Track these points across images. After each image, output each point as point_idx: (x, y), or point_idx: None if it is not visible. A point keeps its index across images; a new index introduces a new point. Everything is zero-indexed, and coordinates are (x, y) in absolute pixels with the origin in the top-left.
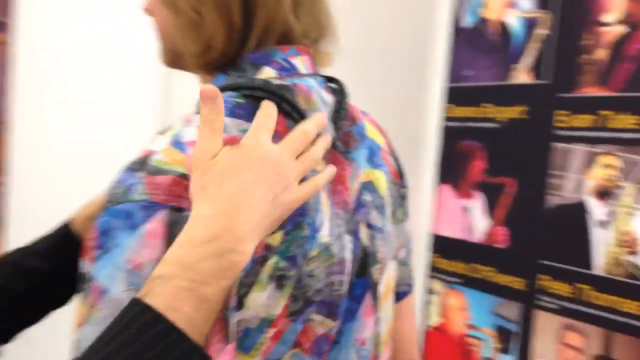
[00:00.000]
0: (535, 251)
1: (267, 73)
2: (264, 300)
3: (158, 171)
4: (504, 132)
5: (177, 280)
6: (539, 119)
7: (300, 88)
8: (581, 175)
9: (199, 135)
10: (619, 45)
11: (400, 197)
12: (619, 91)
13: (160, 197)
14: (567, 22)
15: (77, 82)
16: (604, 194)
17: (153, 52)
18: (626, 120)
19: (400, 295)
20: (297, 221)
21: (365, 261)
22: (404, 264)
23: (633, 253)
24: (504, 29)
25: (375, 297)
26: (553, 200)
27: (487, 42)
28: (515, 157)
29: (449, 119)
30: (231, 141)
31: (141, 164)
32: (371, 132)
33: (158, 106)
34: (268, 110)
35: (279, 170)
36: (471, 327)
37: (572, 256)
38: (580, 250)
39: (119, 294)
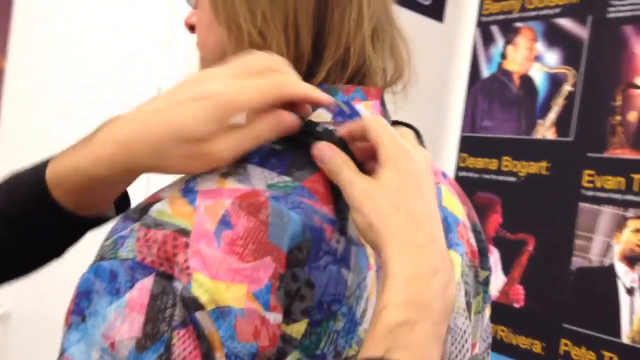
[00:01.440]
0: (558, 314)
1: (320, 116)
2: None
3: (155, 224)
4: (523, 187)
5: (422, 325)
6: (562, 177)
7: None
8: (609, 239)
9: (337, 180)
10: None
11: (478, 283)
12: None
13: (149, 259)
14: (592, 81)
15: (69, 83)
16: (633, 259)
17: (149, 53)
18: None
19: None
20: (330, 309)
21: None
22: None
23: None
24: (526, 82)
25: None
26: (578, 262)
27: (508, 95)
28: (535, 214)
29: (461, 168)
30: (252, 194)
31: (140, 213)
32: (448, 200)
33: None
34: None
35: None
36: None
37: (598, 322)
38: (607, 316)
39: None
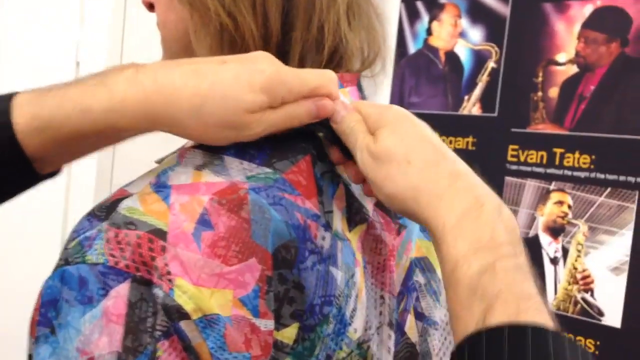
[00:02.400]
0: None
1: None
2: None
3: (125, 222)
4: None
5: (500, 264)
6: (487, 152)
7: None
8: (534, 211)
9: (353, 146)
10: (570, 85)
11: None
12: (571, 130)
13: (122, 262)
14: (515, 58)
15: None
16: (556, 230)
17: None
18: (580, 159)
19: None
20: (322, 312)
21: None
22: None
23: (585, 290)
24: (452, 58)
25: None
26: None
27: (434, 71)
28: None
29: None
30: (231, 189)
31: (107, 210)
32: None
33: None
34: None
35: None
36: None
37: None
38: None
39: None
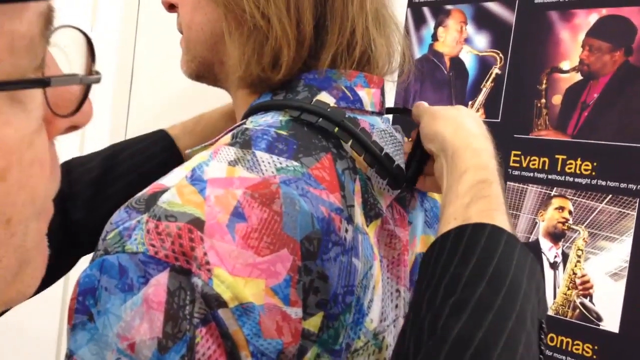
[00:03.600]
0: None
1: (324, 100)
2: None
3: (165, 215)
4: None
5: (496, 184)
6: None
7: (363, 125)
8: (535, 216)
9: (421, 112)
10: (574, 93)
11: None
12: (573, 137)
13: (162, 252)
14: (519, 65)
15: None
16: (556, 235)
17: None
18: (581, 166)
19: None
20: (345, 302)
21: None
22: None
23: (584, 295)
24: (457, 64)
25: None
26: None
27: (439, 76)
28: None
29: None
30: (263, 184)
31: (146, 203)
32: None
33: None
34: None
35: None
36: None
37: None
38: None
39: None
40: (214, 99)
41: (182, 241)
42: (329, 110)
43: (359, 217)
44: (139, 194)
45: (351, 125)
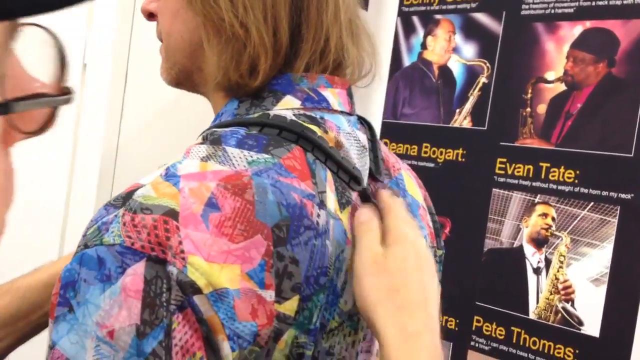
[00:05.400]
0: (471, 292)
1: (289, 103)
2: None
3: (141, 208)
4: (441, 173)
5: None
6: (476, 164)
7: (329, 125)
8: (519, 222)
9: (358, 240)
10: (558, 102)
11: (436, 262)
12: (557, 146)
13: (138, 243)
14: (506, 74)
15: None
16: (540, 241)
17: (71, 31)
18: (565, 174)
19: None
20: (318, 282)
21: None
22: None
23: (566, 300)
24: (445, 72)
25: None
26: (490, 243)
27: (428, 84)
28: (451, 199)
29: None
30: (235, 176)
31: (123, 199)
32: (410, 186)
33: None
34: (396, 199)
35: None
36: None
37: (508, 300)
38: (516, 295)
39: None
40: (206, 104)
41: (157, 232)
42: (288, 121)
43: (332, 202)
44: (118, 193)
45: (311, 135)
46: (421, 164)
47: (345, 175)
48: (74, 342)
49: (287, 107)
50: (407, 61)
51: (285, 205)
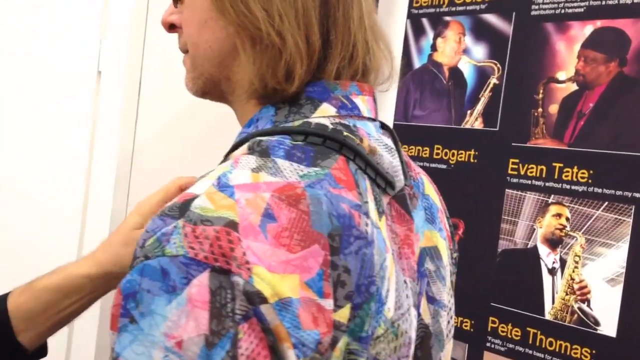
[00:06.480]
0: (486, 293)
1: (326, 111)
2: None
3: (200, 220)
4: (453, 174)
5: None
6: (489, 165)
7: (361, 133)
8: (533, 223)
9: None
10: (570, 102)
11: (453, 264)
12: (570, 145)
13: (201, 254)
14: (517, 75)
15: (6, 74)
16: (554, 242)
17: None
18: (578, 173)
19: None
20: (368, 291)
21: (427, 343)
22: None
23: (582, 300)
24: (455, 74)
25: None
26: (504, 244)
27: (438, 86)
28: (464, 200)
29: None
30: (289, 187)
31: (179, 210)
32: (429, 189)
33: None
34: None
35: None
36: None
37: (523, 301)
38: (531, 295)
39: None
40: (221, 107)
41: (220, 243)
42: (330, 130)
43: (373, 212)
44: (169, 203)
45: (353, 144)
46: (433, 165)
47: (382, 180)
48: (139, 353)
49: (325, 114)
50: (417, 63)
51: (336, 216)
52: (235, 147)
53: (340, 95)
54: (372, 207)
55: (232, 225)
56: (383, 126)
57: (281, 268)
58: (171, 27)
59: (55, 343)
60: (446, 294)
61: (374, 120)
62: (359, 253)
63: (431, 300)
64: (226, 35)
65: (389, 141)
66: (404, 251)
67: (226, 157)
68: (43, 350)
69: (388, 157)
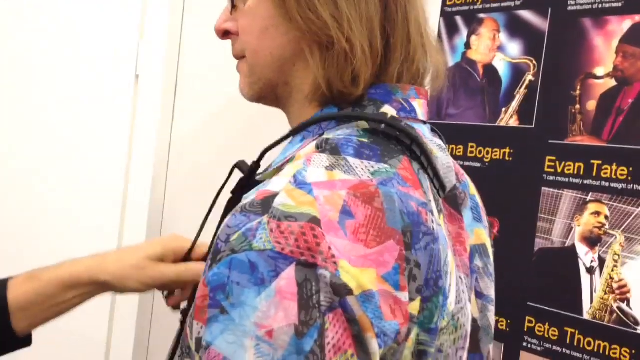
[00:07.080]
0: (523, 292)
1: (387, 112)
2: None
3: (284, 216)
4: (488, 172)
5: None
6: (524, 163)
7: (420, 133)
8: (570, 221)
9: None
10: (608, 98)
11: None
12: (609, 142)
13: (288, 249)
14: (553, 71)
15: (46, 77)
16: (593, 240)
17: (123, 42)
18: (617, 171)
19: None
20: (437, 285)
21: (475, 337)
22: None
23: (621, 300)
24: (490, 72)
25: None
26: (541, 243)
27: (472, 84)
28: (499, 198)
29: None
30: (362, 185)
31: (262, 207)
32: (473, 190)
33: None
34: None
35: None
36: None
37: (560, 300)
38: (569, 295)
39: None
40: (254, 109)
41: (306, 238)
42: (404, 124)
43: (435, 210)
44: (247, 200)
45: (423, 142)
46: (467, 163)
47: (438, 182)
48: (231, 342)
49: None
50: (450, 61)
51: (407, 213)
52: (305, 125)
53: (400, 98)
54: (433, 205)
55: (315, 221)
56: (432, 129)
57: (360, 262)
58: (225, 34)
59: (95, 339)
60: (493, 290)
61: (425, 123)
62: (428, 248)
63: (479, 295)
64: (287, 41)
65: (440, 142)
66: (457, 248)
67: (290, 134)
68: (28, 340)
69: (443, 157)
